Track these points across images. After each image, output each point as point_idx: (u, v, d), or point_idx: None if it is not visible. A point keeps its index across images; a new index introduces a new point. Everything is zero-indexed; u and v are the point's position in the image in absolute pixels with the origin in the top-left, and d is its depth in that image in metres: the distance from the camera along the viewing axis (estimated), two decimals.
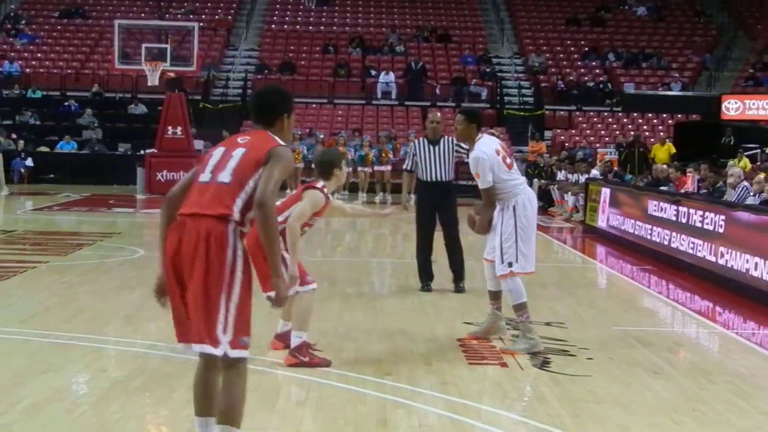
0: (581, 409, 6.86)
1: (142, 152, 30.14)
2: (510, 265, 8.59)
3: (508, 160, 8.82)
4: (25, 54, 40.11)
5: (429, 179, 11.85)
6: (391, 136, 30.74)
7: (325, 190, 7.80)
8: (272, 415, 6.52)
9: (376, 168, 28.44)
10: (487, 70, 39.46)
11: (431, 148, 11.82)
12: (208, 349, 5.06)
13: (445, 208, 11.89)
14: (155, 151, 28.61)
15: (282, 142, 5.32)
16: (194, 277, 5.04)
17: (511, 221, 8.60)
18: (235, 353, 5.10)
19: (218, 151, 5.36)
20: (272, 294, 5.21)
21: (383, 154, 28.42)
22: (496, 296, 9.10)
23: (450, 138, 11.84)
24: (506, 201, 8.68)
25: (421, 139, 12.27)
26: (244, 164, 5.18)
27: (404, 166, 12.48)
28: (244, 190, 5.14)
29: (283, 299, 5.22)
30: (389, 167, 28.39)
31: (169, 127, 28.40)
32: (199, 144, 29.96)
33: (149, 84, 30.45)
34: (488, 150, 8.73)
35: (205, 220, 5.09)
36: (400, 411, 6.71)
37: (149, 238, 18.85)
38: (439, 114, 13.28)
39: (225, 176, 5.18)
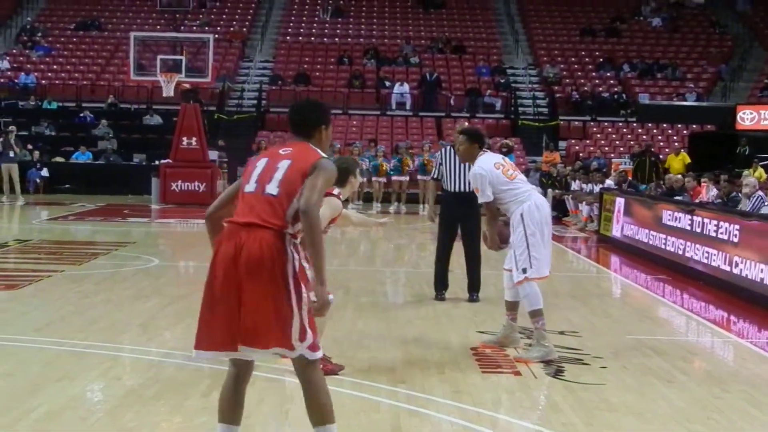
0: (595, 418, 6.86)
1: (157, 163, 30.25)
2: (524, 271, 8.66)
3: (510, 172, 8.91)
4: (41, 66, 40.33)
5: (453, 189, 11.71)
6: (408, 147, 30.81)
7: (341, 196, 7.84)
8: (285, 423, 6.54)
9: (394, 178, 28.47)
10: (502, 81, 39.48)
11: (457, 158, 11.54)
12: (280, 350, 5.18)
13: (468, 219, 11.74)
14: (170, 161, 28.71)
15: (324, 155, 5.40)
16: (260, 289, 5.11)
17: (520, 228, 8.69)
18: (315, 355, 5.26)
19: (261, 162, 5.42)
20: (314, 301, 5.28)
21: (404, 164, 28.45)
22: (512, 307, 9.14)
23: None
24: (513, 210, 8.79)
25: (448, 148, 11.99)
26: (291, 176, 5.25)
27: (431, 175, 12.43)
28: (292, 203, 5.21)
29: (326, 306, 5.28)
30: (408, 177, 28.47)
31: (184, 138, 28.49)
32: (213, 155, 30.03)
33: (164, 95, 30.53)
34: (486, 165, 8.92)
35: (261, 231, 5.16)
36: (413, 419, 6.72)
37: (164, 247, 18.95)
38: (467, 124, 13.19)
39: (272, 188, 5.25)
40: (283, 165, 5.31)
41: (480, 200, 8.93)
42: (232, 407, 5.40)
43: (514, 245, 8.78)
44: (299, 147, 5.43)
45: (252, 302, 5.12)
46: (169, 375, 7.79)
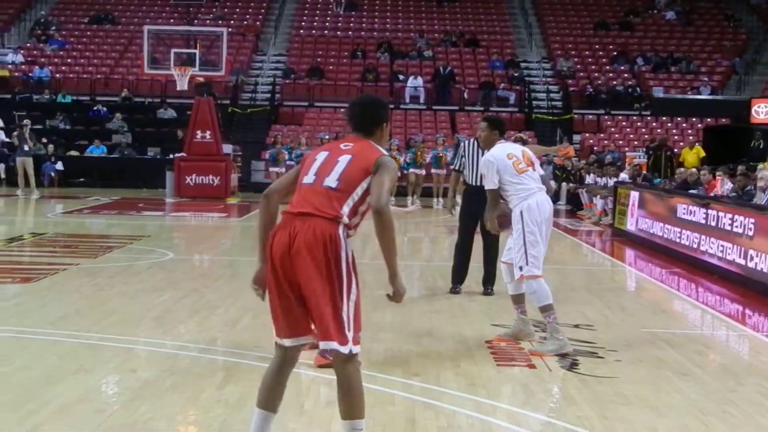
0: (609, 411, 6.85)
1: (171, 156, 30.30)
2: (521, 268, 8.70)
3: (521, 166, 8.90)
4: (55, 59, 40.40)
5: (475, 183, 11.63)
6: (422, 140, 30.77)
7: None
8: (301, 416, 6.55)
9: (411, 170, 28.42)
10: (516, 74, 39.39)
11: (480, 151, 11.15)
12: (336, 346, 5.18)
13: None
14: (184, 155, 28.76)
15: (385, 152, 5.45)
16: (316, 278, 5.15)
17: (519, 225, 8.73)
18: (356, 348, 5.26)
19: (322, 155, 5.46)
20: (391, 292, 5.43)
21: (419, 157, 28.41)
22: (518, 299, 9.17)
23: None
24: (514, 205, 8.82)
25: (472, 140, 11.98)
26: (352, 171, 5.30)
27: (453, 166, 12.40)
28: (351, 196, 5.27)
29: (403, 296, 5.41)
30: (424, 171, 28.46)
31: (198, 132, 28.55)
32: (227, 148, 30.07)
33: (178, 89, 30.58)
34: (498, 154, 8.96)
35: (317, 220, 5.19)
36: (428, 412, 6.73)
37: (179, 241, 18.99)
38: None
39: (332, 181, 5.29)
40: (344, 159, 5.35)
41: (486, 186, 8.97)
42: (272, 392, 5.40)
43: (512, 241, 8.85)
44: (361, 143, 5.47)
45: (308, 295, 5.18)
46: (184, 367, 7.80)
